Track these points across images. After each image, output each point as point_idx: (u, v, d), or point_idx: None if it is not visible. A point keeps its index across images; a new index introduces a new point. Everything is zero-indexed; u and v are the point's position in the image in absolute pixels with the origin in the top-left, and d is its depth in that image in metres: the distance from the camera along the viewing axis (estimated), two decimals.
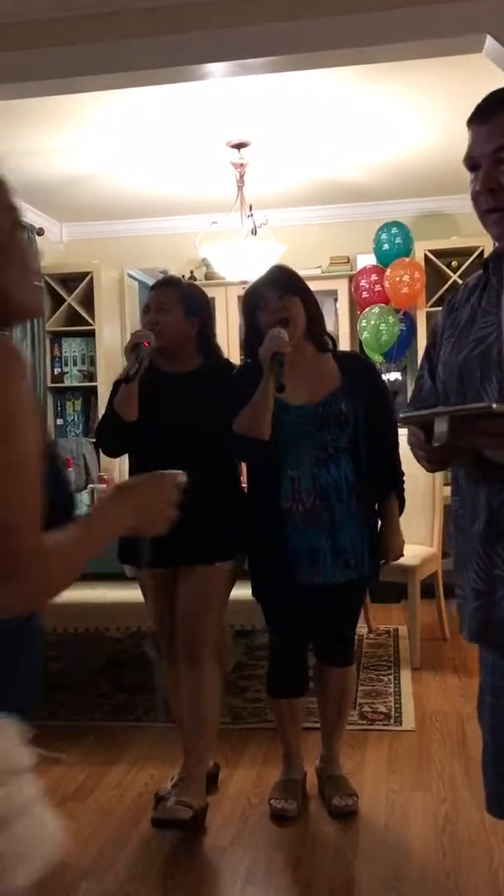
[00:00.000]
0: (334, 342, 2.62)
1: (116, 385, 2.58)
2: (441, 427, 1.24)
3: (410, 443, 1.43)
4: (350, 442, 2.45)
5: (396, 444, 2.58)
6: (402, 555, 2.59)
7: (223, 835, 2.46)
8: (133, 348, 2.47)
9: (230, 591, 2.60)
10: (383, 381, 2.70)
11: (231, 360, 2.73)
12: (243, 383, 2.43)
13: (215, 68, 2.95)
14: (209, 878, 2.26)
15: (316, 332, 2.51)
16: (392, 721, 3.27)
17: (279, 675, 2.61)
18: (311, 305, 2.49)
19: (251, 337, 2.49)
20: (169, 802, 2.46)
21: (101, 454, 4.92)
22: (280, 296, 2.43)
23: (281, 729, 2.67)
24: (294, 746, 2.66)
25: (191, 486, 2.38)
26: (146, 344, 2.47)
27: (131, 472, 2.67)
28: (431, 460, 1.40)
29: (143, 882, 2.23)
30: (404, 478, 2.59)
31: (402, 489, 2.59)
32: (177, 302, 2.55)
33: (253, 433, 2.36)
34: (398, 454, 2.58)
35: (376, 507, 2.55)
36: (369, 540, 2.49)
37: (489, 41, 2.65)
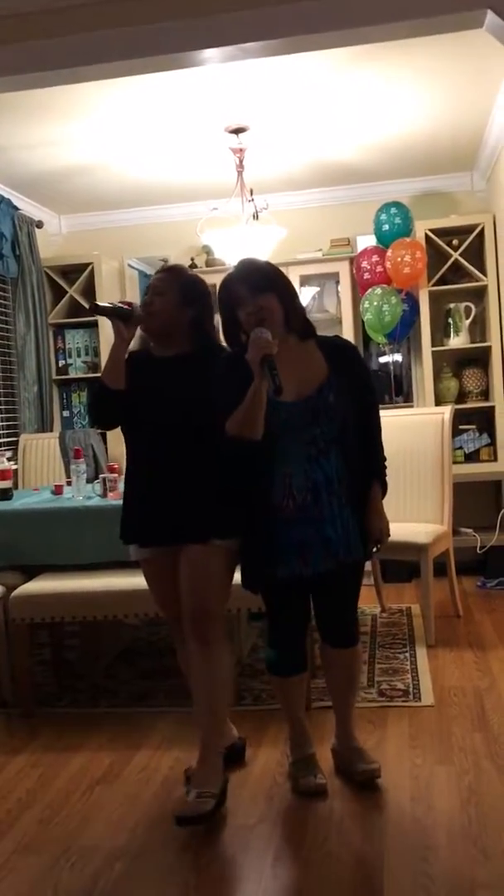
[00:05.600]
0: (314, 328, 2.59)
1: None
2: None
3: None
4: (339, 433, 2.46)
5: (380, 429, 2.61)
6: (389, 535, 2.59)
7: (251, 813, 2.49)
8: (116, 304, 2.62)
9: (233, 569, 2.59)
10: (366, 365, 2.72)
11: (223, 345, 2.68)
12: (227, 372, 2.43)
13: (212, 54, 2.93)
14: (240, 856, 2.29)
15: (296, 321, 2.49)
16: (411, 697, 3.30)
17: (278, 653, 2.64)
18: (286, 297, 2.45)
19: (231, 327, 2.50)
20: (190, 796, 2.46)
21: (109, 443, 4.95)
22: (254, 294, 2.40)
23: (285, 706, 2.69)
24: (300, 724, 2.69)
25: (181, 465, 2.46)
26: (129, 306, 2.58)
27: (127, 456, 2.69)
28: None
29: (175, 861, 2.26)
30: (386, 462, 2.61)
31: (385, 474, 2.59)
32: (175, 288, 2.57)
33: (246, 435, 2.36)
34: (381, 439, 2.61)
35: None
36: (358, 527, 2.51)
37: (490, 16, 2.64)
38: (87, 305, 5.55)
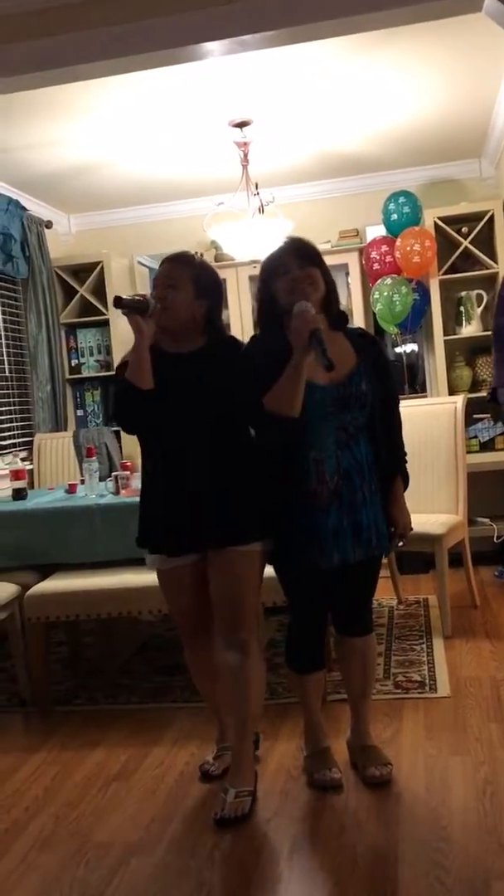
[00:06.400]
0: (347, 319, 2.58)
1: (120, 368, 2.52)
2: None
3: None
4: (368, 420, 2.47)
5: (401, 423, 2.60)
6: (412, 529, 2.62)
7: (267, 807, 2.49)
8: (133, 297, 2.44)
9: (263, 571, 2.53)
10: (389, 358, 2.73)
11: (236, 337, 2.65)
12: (256, 355, 2.43)
13: (211, 48, 2.93)
14: (256, 849, 2.29)
15: (331, 306, 2.50)
16: (427, 689, 3.29)
17: (300, 650, 2.63)
18: (328, 278, 2.48)
19: (266, 304, 2.47)
20: (228, 796, 2.44)
21: (122, 441, 4.96)
22: (303, 265, 2.41)
23: (304, 702, 2.68)
24: (317, 719, 2.69)
25: (208, 467, 2.40)
26: (143, 298, 2.41)
27: (145, 460, 2.61)
28: None
29: (192, 855, 2.27)
30: (406, 455, 2.61)
31: (406, 467, 2.61)
32: (188, 280, 2.43)
33: (285, 411, 2.32)
34: (401, 433, 2.61)
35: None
36: (385, 517, 2.52)
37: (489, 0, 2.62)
38: (97, 304, 5.58)
